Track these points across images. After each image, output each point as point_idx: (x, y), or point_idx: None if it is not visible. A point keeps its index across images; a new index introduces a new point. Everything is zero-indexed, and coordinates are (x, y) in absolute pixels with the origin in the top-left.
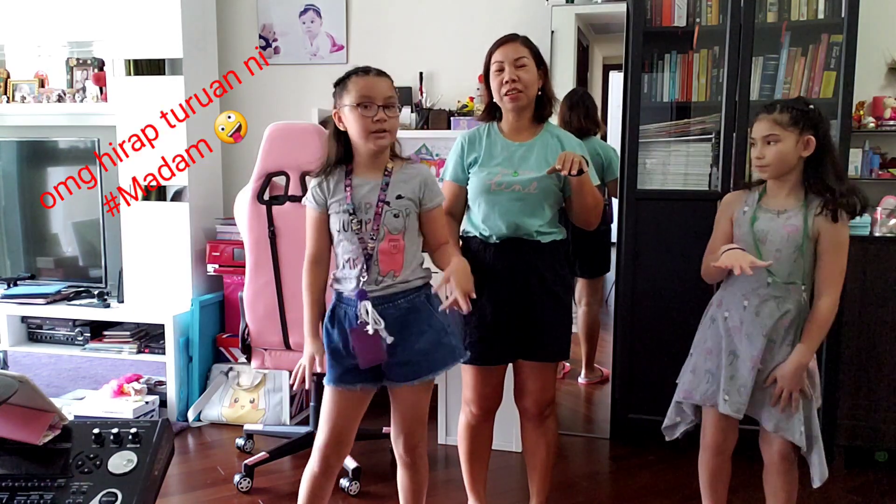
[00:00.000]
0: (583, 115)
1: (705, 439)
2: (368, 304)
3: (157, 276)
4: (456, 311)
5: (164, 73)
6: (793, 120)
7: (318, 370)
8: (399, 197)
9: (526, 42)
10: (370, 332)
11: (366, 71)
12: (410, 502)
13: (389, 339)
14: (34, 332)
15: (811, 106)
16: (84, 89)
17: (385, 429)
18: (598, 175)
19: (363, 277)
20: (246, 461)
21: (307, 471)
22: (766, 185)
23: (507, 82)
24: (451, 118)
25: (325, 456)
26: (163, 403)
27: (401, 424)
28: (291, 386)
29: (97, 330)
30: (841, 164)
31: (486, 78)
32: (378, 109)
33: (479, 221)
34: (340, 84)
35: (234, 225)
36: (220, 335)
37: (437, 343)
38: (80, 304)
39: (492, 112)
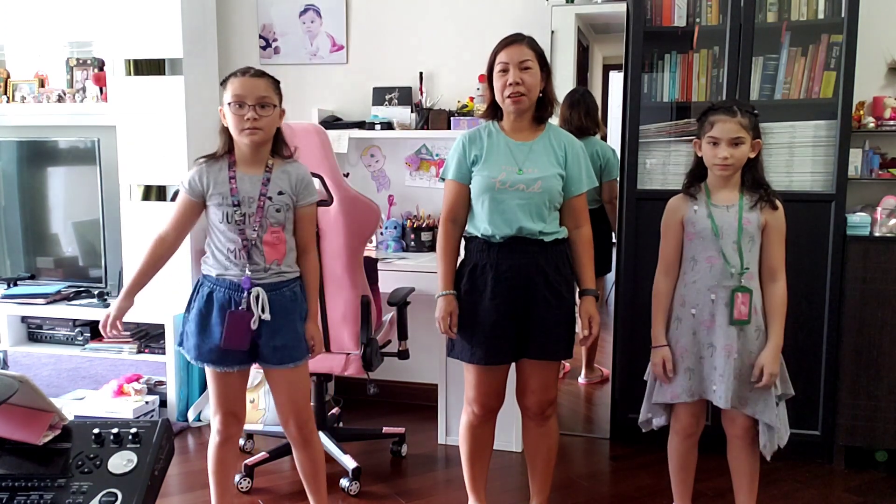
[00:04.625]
0: (583, 114)
1: (678, 425)
2: (262, 293)
3: (158, 276)
4: (463, 314)
5: (164, 73)
6: (752, 124)
7: (113, 332)
8: (280, 193)
9: (532, 44)
10: (259, 319)
11: (244, 72)
12: (313, 480)
13: (255, 325)
14: (34, 332)
15: (756, 110)
16: (84, 89)
17: (385, 429)
18: (595, 176)
19: (251, 267)
20: (246, 461)
21: (210, 443)
22: (706, 184)
23: (510, 84)
24: (451, 118)
25: (224, 427)
26: (163, 403)
27: (286, 406)
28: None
29: (97, 330)
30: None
31: (489, 77)
32: (249, 108)
33: (482, 221)
34: (223, 83)
35: None
36: None
37: (305, 332)
38: (80, 304)
39: (494, 111)
